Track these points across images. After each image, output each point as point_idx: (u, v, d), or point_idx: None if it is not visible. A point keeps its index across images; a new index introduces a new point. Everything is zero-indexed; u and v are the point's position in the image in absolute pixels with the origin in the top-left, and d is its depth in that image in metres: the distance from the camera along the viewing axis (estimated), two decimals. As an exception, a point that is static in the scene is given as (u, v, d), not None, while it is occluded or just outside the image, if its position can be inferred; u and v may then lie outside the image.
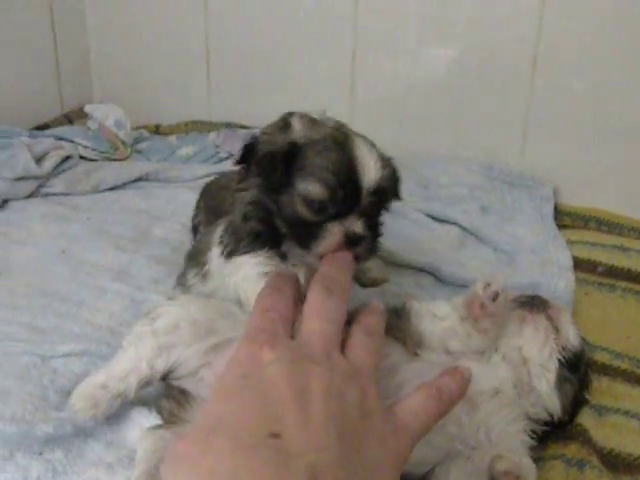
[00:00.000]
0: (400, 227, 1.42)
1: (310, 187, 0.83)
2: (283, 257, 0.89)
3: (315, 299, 0.73)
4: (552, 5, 1.56)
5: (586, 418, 0.88)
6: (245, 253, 0.90)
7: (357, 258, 0.85)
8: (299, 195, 0.84)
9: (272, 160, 0.86)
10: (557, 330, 0.84)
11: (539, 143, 1.68)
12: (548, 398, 0.81)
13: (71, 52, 2.10)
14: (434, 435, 0.73)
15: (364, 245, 0.85)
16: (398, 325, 0.84)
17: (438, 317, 0.84)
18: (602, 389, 0.96)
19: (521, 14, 1.60)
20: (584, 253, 1.36)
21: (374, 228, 0.87)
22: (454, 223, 1.49)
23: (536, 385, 0.81)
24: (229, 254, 0.91)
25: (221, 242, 0.94)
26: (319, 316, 0.71)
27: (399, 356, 0.81)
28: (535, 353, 0.82)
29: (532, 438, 0.80)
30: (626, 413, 0.93)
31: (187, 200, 1.44)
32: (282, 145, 0.86)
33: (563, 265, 1.30)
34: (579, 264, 1.32)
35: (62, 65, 2.06)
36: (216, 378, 0.67)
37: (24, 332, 1.06)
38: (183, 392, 0.82)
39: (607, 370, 1.02)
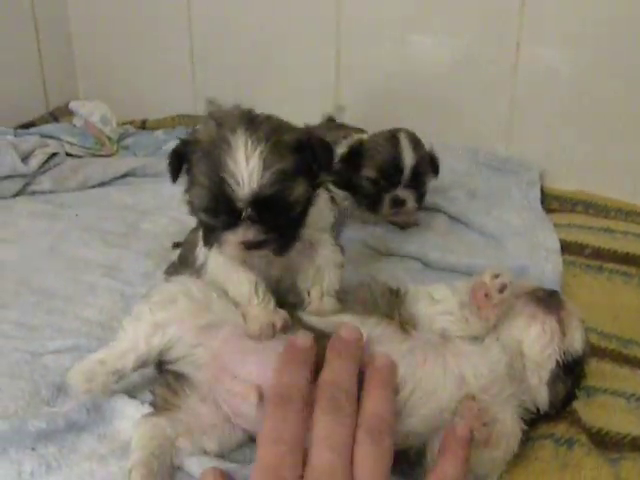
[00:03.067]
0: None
1: (192, 197, 0.83)
2: None
3: (324, 422, 0.69)
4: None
5: (575, 398, 0.89)
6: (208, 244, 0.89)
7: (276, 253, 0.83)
8: (190, 200, 0.84)
9: (170, 158, 0.85)
10: (564, 334, 0.83)
11: (525, 128, 1.68)
12: (538, 393, 0.82)
13: (55, 49, 2.09)
14: (424, 406, 0.75)
15: (269, 246, 0.82)
16: (391, 304, 0.84)
17: (435, 300, 0.84)
18: (591, 370, 0.96)
19: (504, 1, 1.60)
20: (571, 236, 1.37)
21: (277, 229, 0.82)
22: (440, 210, 1.50)
23: (528, 378, 0.82)
24: (204, 244, 0.92)
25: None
26: (328, 445, 0.68)
27: (391, 335, 0.80)
28: (535, 352, 0.82)
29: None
30: (614, 393, 0.94)
31: (173, 194, 1.42)
32: (179, 144, 0.86)
33: (551, 248, 1.31)
34: (567, 247, 1.33)
35: (46, 63, 2.05)
36: None
37: (14, 329, 1.06)
38: (177, 378, 0.82)
39: (595, 351, 1.02)
